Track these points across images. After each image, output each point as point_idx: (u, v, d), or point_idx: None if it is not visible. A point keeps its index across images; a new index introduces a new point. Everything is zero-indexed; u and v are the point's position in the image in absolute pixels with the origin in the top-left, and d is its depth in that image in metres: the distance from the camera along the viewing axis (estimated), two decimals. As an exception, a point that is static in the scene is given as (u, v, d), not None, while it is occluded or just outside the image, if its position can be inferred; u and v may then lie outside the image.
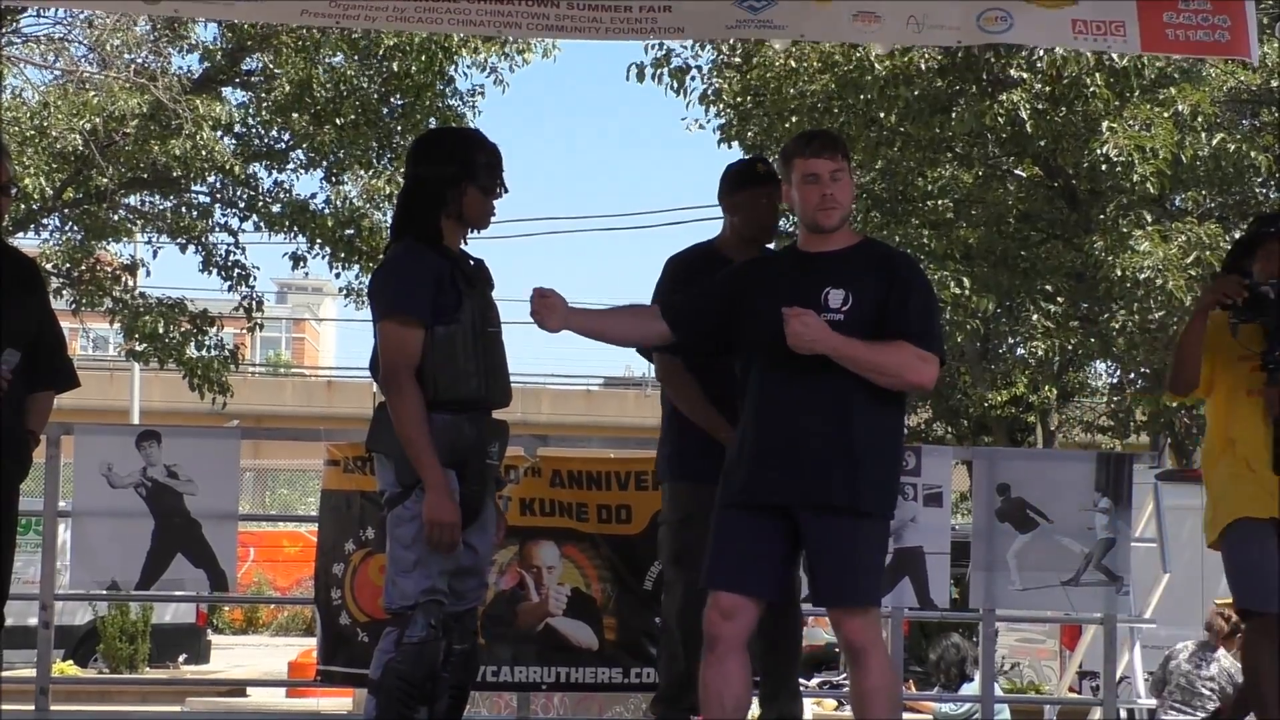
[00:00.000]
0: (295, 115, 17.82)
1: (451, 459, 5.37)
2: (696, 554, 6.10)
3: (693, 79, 16.98)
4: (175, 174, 17.81)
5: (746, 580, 5.25)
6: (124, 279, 19.23)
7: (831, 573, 5.19)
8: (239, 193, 18.70)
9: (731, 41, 16.09)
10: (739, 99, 17.09)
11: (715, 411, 6.01)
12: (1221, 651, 10.63)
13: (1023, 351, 19.56)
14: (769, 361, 5.29)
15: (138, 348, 19.11)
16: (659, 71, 16.62)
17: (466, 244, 5.62)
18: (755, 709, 6.37)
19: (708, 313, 5.48)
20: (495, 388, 5.51)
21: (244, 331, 19.91)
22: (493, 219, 5.64)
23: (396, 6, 6.31)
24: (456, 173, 5.50)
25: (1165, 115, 14.92)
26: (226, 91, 18.63)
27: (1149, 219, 15.79)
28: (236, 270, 18.91)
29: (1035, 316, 17.73)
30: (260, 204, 18.61)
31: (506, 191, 5.61)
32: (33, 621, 7.10)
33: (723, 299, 5.47)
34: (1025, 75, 15.22)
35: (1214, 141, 15.12)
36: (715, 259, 6.24)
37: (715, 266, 6.18)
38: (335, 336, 63.64)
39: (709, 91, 17.11)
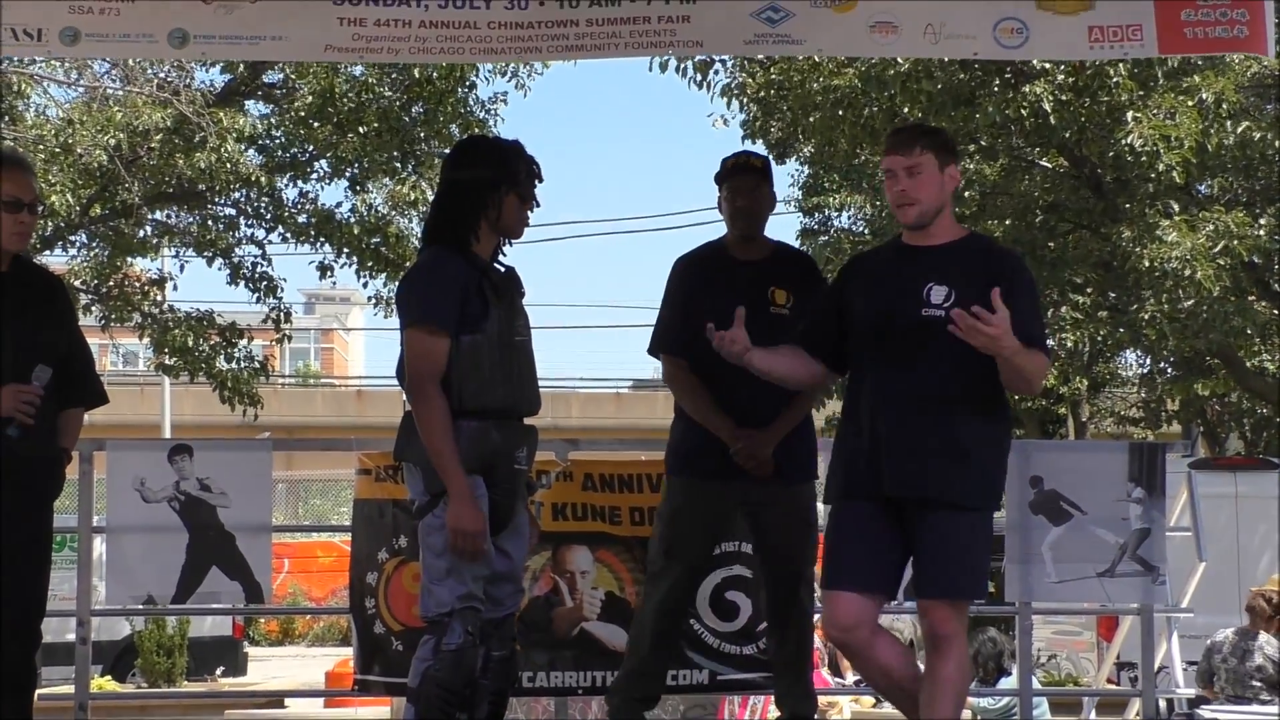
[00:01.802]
0: (318, 125, 17.86)
1: (479, 465, 5.37)
2: (681, 550, 6.23)
3: (716, 73, 16.93)
4: (200, 187, 17.87)
5: (867, 578, 5.28)
6: (152, 293, 19.29)
7: (930, 564, 5.22)
8: (264, 204, 18.74)
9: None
10: (762, 94, 17.05)
11: (720, 412, 6.14)
12: (1264, 637, 10.59)
13: (1052, 343, 19.52)
14: (874, 358, 5.32)
15: (168, 362, 19.17)
16: (683, 65, 16.55)
17: (503, 254, 5.63)
18: (774, 709, 6.40)
19: (832, 330, 5.48)
20: (523, 396, 5.52)
21: (273, 343, 19.95)
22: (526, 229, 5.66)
23: (418, 36, 6.33)
24: (497, 176, 5.51)
25: (1189, 104, 14.87)
26: (249, 104, 18.68)
27: (1176, 208, 15.73)
28: (264, 282, 18.95)
29: (1064, 308, 17.67)
30: (286, 215, 18.65)
31: (539, 205, 5.64)
32: (70, 638, 7.14)
33: (834, 310, 5.49)
34: (1048, 66, 15.17)
35: (1240, 129, 15.05)
36: (722, 257, 6.34)
37: (722, 264, 6.28)
38: (364, 346, 63.80)
39: (732, 86, 17.07)
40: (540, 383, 5.70)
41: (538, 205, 5.62)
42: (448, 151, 6.41)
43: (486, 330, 5.40)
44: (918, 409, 5.19)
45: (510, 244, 5.64)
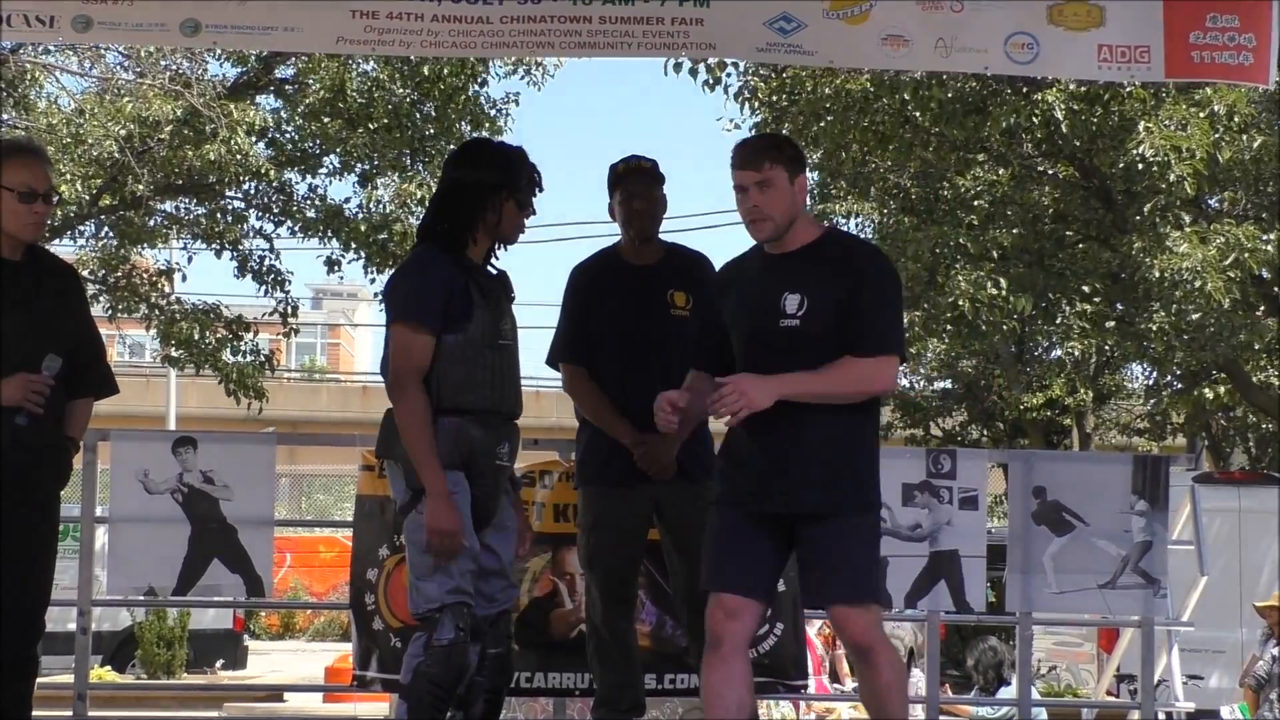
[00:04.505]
0: (328, 120, 17.85)
1: (459, 460, 5.39)
2: (605, 558, 6.23)
3: (728, 75, 16.90)
4: (210, 179, 17.85)
5: (749, 581, 5.21)
6: (160, 285, 19.29)
7: (824, 573, 5.16)
8: (273, 198, 18.73)
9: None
10: (774, 97, 17.03)
11: (621, 418, 6.15)
12: None
13: (1059, 353, 19.50)
14: (744, 368, 5.23)
15: (174, 353, 19.16)
16: (697, 66, 16.51)
17: (497, 257, 5.64)
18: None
19: (718, 343, 5.44)
20: (504, 398, 5.53)
21: (279, 337, 19.94)
22: (521, 236, 5.67)
23: (431, 30, 6.36)
24: (499, 181, 5.51)
25: (1201, 115, 14.84)
26: (260, 98, 18.67)
27: (1187, 220, 15.70)
28: (272, 275, 18.95)
29: (1071, 317, 17.64)
30: (295, 209, 18.65)
31: (534, 213, 5.64)
32: (71, 627, 7.15)
33: (718, 322, 5.45)
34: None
35: (1256, 144, 15.02)
36: (617, 263, 6.34)
37: (618, 270, 6.27)
38: (370, 342, 63.76)
39: (744, 89, 17.04)
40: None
41: (534, 213, 5.63)
42: (452, 150, 6.40)
43: (469, 331, 5.41)
44: (781, 421, 5.09)
45: (505, 249, 5.65)
